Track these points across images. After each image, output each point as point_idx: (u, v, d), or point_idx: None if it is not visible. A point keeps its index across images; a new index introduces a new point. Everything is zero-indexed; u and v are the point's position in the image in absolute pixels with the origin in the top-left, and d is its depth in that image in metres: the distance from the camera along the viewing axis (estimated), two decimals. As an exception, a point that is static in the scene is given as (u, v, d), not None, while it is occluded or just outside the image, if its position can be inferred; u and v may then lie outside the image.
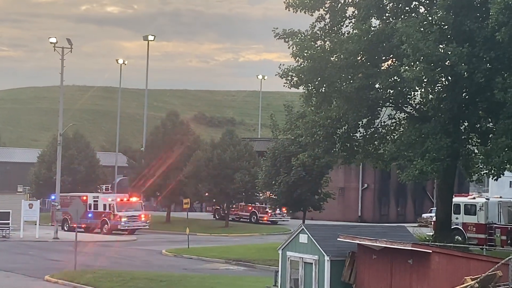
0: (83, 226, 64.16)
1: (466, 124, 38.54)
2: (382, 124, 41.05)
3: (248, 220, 73.51)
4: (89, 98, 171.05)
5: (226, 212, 70.53)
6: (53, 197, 66.18)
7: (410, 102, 39.83)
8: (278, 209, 67.17)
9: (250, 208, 73.45)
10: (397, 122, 41.01)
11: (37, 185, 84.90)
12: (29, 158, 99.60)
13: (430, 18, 36.27)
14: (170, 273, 36.88)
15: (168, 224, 71.86)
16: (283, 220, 72.62)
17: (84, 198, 65.65)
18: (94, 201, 65.86)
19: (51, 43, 61.52)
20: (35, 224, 58.73)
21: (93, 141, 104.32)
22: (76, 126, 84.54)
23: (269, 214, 71.78)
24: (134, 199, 65.86)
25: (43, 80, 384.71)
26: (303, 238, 24.26)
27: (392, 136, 40.32)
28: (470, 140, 39.10)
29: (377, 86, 37.77)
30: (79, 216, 39.38)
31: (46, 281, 35.61)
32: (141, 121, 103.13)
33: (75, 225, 63.55)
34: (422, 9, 38.54)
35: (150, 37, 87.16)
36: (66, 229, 65.59)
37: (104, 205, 64.71)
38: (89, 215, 64.48)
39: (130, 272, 36.53)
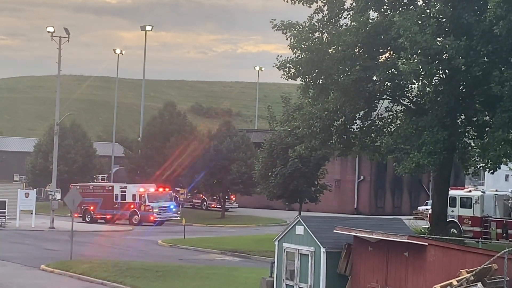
0: (107, 216, 63.72)
1: (463, 117, 38.55)
2: (379, 116, 41.06)
3: (199, 207, 77.17)
4: (86, 88, 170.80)
5: (222, 203, 70.66)
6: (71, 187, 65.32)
7: (407, 95, 39.82)
8: (227, 197, 70.50)
9: (201, 196, 76.70)
10: (394, 114, 41.02)
11: (33, 174, 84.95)
12: (26, 148, 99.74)
13: (428, 11, 36.23)
14: (166, 263, 36.93)
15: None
16: (233, 208, 75.70)
17: (110, 188, 65.26)
18: (122, 191, 64.62)
19: (48, 32, 61.42)
20: (31, 214, 58.74)
21: (90, 131, 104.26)
22: (73, 115, 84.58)
23: (216, 202, 74.46)
24: (164, 189, 64.63)
25: (41, 69, 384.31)
26: (299, 230, 24.30)
27: (389, 129, 40.32)
28: (466, 134, 39.11)
29: (374, 78, 37.75)
30: (75, 206, 39.37)
31: (42, 270, 35.66)
32: (138, 111, 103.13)
33: (98, 216, 63.26)
34: (420, 2, 38.49)
35: (148, 28, 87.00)
36: (87, 219, 64.75)
37: (134, 196, 63.45)
38: (115, 205, 63.92)
39: (126, 262, 36.57)
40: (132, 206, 63.58)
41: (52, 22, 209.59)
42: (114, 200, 64.28)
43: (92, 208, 64.92)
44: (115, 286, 31.45)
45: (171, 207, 63.81)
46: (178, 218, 62.18)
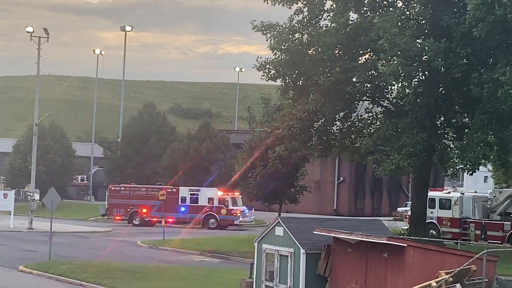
0: (169, 220, 60.99)
1: (442, 119, 38.73)
2: (359, 117, 41.15)
3: None
4: (65, 88, 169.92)
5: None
6: (112, 188, 64.31)
7: (387, 96, 39.95)
8: None
9: None
10: (374, 116, 41.13)
11: (12, 175, 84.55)
12: (4, 148, 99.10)
13: (407, 12, 36.36)
14: (145, 264, 36.80)
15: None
16: None
17: (174, 190, 62.69)
18: (191, 194, 62.40)
19: (27, 32, 61.09)
20: (10, 214, 58.36)
21: (69, 132, 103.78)
22: (52, 116, 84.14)
23: None
24: (233, 194, 62.57)
25: (19, 69, 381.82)
26: (279, 231, 24.29)
27: (368, 130, 40.43)
28: (446, 135, 39.30)
29: (354, 80, 37.84)
30: (55, 206, 39.12)
31: (20, 271, 35.43)
32: (118, 112, 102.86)
33: (154, 219, 60.24)
34: (400, 4, 38.62)
35: (128, 28, 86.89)
36: (135, 222, 63.01)
37: (210, 199, 61.35)
38: (182, 209, 61.71)
39: (105, 263, 36.41)
40: (207, 209, 61.67)
41: (33, 22, 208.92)
42: (179, 203, 62.16)
43: (144, 211, 62.71)
44: (94, 287, 31.30)
45: (246, 211, 63.06)
46: (253, 222, 62.10)
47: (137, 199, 62.28)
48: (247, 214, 62.91)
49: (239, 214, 61.49)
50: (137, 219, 63.10)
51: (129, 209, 61.74)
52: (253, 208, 64.86)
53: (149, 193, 63.34)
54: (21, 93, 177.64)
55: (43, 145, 77.91)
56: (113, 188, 64.73)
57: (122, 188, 63.88)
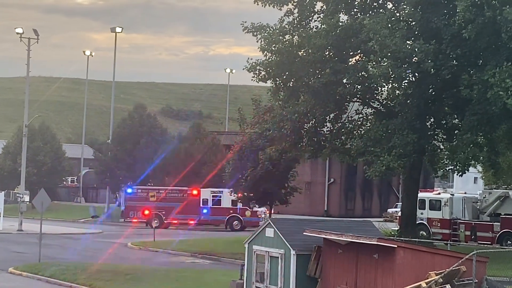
0: (191, 222, 60.62)
1: (432, 120, 38.81)
2: (349, 119, 41.20)
3: None
4: (55, 89, 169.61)
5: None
6: (129, 191, 63.55)
7: (377, 97, 40.02)
8: None
9: None
10: (364, 117, 41.19)
11: (1, 176, 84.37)
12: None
13: (397, 14, 36.45)
14: (136, 266, 36.76)
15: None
16: None
17: (194, 192, 61.95)
18: (213, 196, 61.86)
19: (17, 33, 61.00)
20: (-1, 216, 58.24)
21: (59, 133, 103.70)
22: (42, 117, 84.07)
23: None
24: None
25: (9, 71, 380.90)
26: (269, 232, 24.29)
27: (359, 131, 40.49)
28: (436, 136, 39.38)
29: (344, 81, 37.87)
30: (44, 208, 39.01)
31: (10, 273, 35.32)
32: (108, 113, 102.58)
33: (174, 221, 59.74)
34: (390, 5, 38.70)
35: (118, 29, 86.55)
36: (155, 225, 59.29)
37: (233, 201, 59.92)
38: (204, 210, 61.32)
39: (95, 264, 36.32)
40: (231, 211, 61.38)
41: (23, 23, 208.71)
42: (200, 205, 61.58)
43: (163, 212, 61.90)
44: (84, 289, 31.26)
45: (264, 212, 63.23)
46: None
47: (156, 201, 61.51)
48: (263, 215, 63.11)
49: (262, 216, 61.30)
50: (156, 221, 62.45)
51: (146, 212, 60.88)
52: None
53: (169, 195, 62.54)
54: (10, 94, 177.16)
55: (33, 146, 77.78)
56: (130, 190, 63.69)
57: (139, 190, 62.97)
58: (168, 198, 62.21)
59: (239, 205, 60.44)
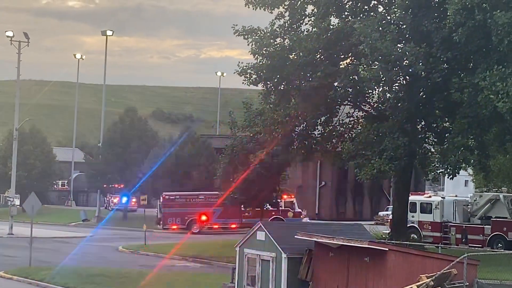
0: (232, 226, 60.04)
1: (423, 123, 38.86)
2: (340, 122, 41.23)
3: None
4: (46, 93, 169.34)
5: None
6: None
7: (368, 101, 40.04)
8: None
9: None
10: (355, 120, 41.23)
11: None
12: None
13: (388, 17, 36.49)
14: (127, 269, 36.69)
15: (125, 221, 71.50)
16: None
17: (236, 196, 60.90)
18: None
19: (7, 36, 60.85)
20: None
21: (50, 137, 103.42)
22: (32, 121, 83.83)
23: None
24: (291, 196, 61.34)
25: (0, 74, 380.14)
26: (260, 236, 24.28)
27: (350, 135, 40.52)
28: (426, 139, 39.43)
29: (335, 84, 37.91)
30: (35, 211, 38.88)
31: (0, 277, 35.21)
32: (99, 116, 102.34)
33: (216, 226, 58.44)
34: (380, 9, 38.73)
35: (109, 32, 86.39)
36: (195, 231, 60.42)
37: (274, 203, 57.87)
38: (246, 214, 58.75)
39: (87, 268, 36.26)
40: (273, 213, 60.08)
41: (13, 27, 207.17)
42: (242, 208, 59.34)
43: (204, 218, 60.80)
44: (75, 293, 31.17)
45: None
46: None
47: (195, 207, 60.77)
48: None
49: (303, 216, 60.80)
50: (196, 227, 61.42)
51: (186, 218, 60.21)
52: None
53: (208, 200, 61.27)
54: (1, 97, 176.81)
55: (23, 150, 77.57)
56: (166, 196, 62.26)
57: (177, 197, 62.13)
58: (208, 203, 60.85)
59: (282, 207, 59.56)
